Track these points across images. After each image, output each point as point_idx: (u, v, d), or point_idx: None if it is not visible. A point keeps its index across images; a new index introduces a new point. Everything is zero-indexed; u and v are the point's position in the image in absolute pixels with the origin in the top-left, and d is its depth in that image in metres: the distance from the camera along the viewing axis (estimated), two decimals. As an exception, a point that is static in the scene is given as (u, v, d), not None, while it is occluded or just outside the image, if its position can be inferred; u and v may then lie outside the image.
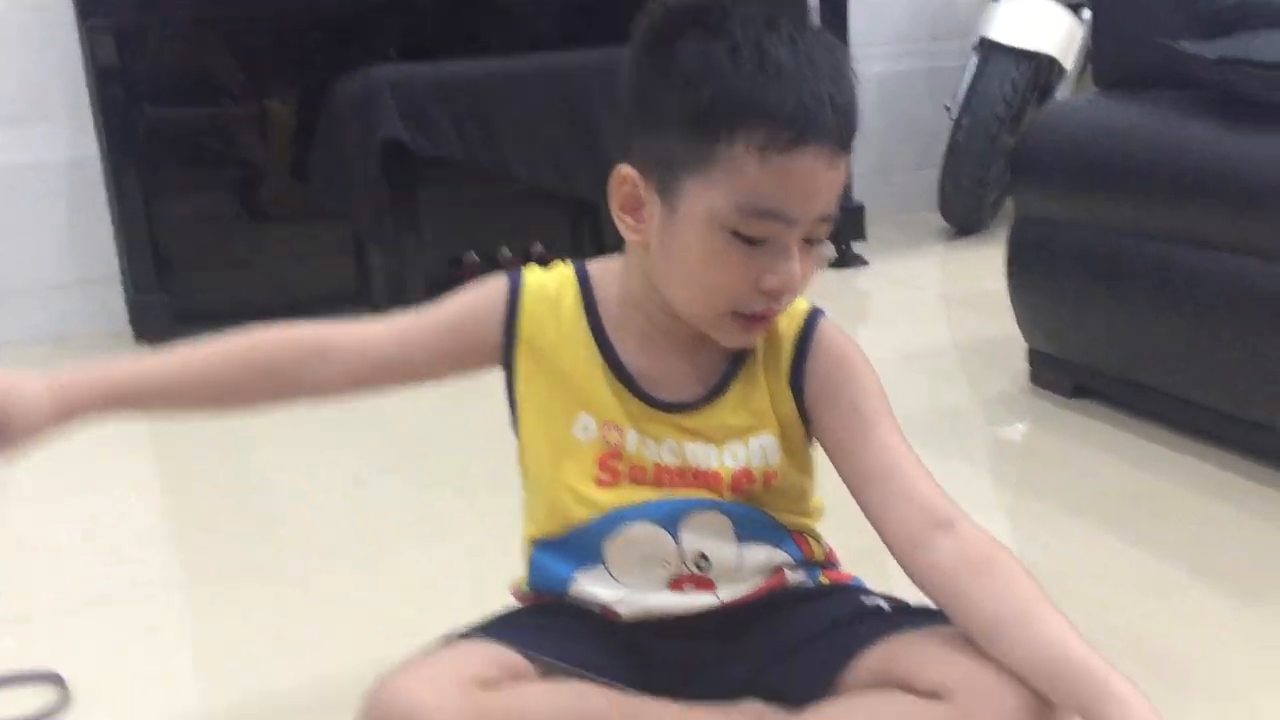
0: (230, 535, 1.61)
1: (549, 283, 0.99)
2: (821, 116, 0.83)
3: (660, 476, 0.95)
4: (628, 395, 0.95)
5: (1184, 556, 1.38)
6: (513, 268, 1.01)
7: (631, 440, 0.95)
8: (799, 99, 0.83)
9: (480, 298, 0.99)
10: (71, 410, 0.89)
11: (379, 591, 1.42)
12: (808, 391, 0.96)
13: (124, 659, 1.31)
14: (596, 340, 0.97)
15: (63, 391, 0.89)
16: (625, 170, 0.90)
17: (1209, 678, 1.13)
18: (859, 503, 0.95)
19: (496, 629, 0.97)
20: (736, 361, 0.96)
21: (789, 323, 0.97)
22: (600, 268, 1.00)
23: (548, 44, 2.74)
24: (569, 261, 1.01)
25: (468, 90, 2.44)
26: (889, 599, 0.98)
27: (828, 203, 0.87)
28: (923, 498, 0.91)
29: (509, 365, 0.98)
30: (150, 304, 2.46)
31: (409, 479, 1.75)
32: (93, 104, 2.58)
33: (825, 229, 0.89)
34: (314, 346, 0.97)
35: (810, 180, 0.85)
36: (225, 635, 1.35)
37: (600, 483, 0.95)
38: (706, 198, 0.86)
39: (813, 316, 0.98)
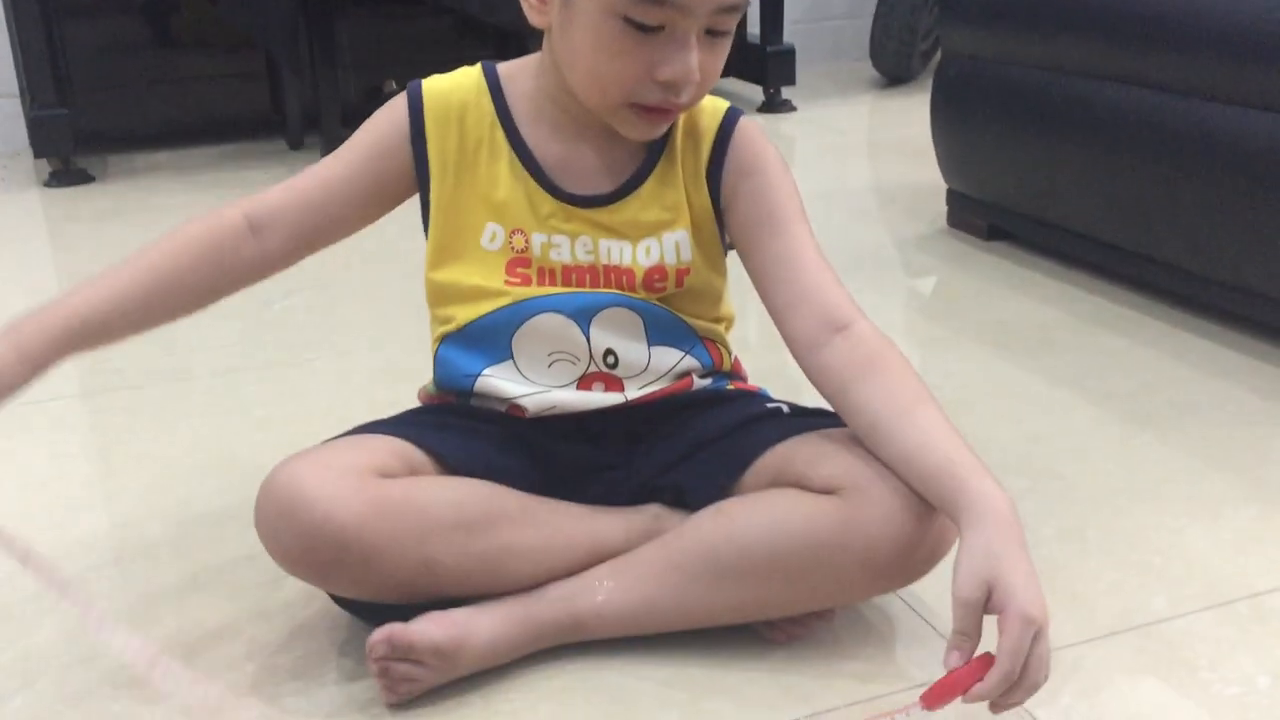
0: (133, 347, 1.57)
1: (452, 88, 0.96)
2: None
3: (569, 276, 0.94)
4: (540, 193, 0.94)
5: (1076, 382, 1.41)
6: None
7: (537, 244, 0.94)
8: None
9: (383, 120, 0.96)
10: (40, 364, 0.87)
11: (284, 401, 1.41)
12: (724, 185, 0.95)
13: (22, 464, 1.29)
14: (508, 138, 0.94)
15: (28, 347, 0.87)
16: None
17: (1091, 489, 1.16)
18: (763, 300, 0.95)
19: (397, 425, 0.96)
20: (654, 154, 0.95)
21: (710, 117, 0.96)
22: (511, 65, 0.98)
23: None
24: (477, 64, 0.98)
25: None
26: (791, 405, 0.99)
27: None
28: (824, 299, 0.92)
29: (421, 179, 0.95)
30: (50, 121, 2.36)
31: (317, 297, 1.72)
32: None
33: (729, 20, 0.86)
34: (244, 224, 0.94)
35: None
36: (129, 442, 1.33)
37: (510, 284, 0.94)
38: None
39: (732, 112, 0.97)
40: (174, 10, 2.78)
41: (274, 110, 2.79)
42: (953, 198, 1.96)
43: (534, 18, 0.90)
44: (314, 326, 1.64)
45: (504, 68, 0.97)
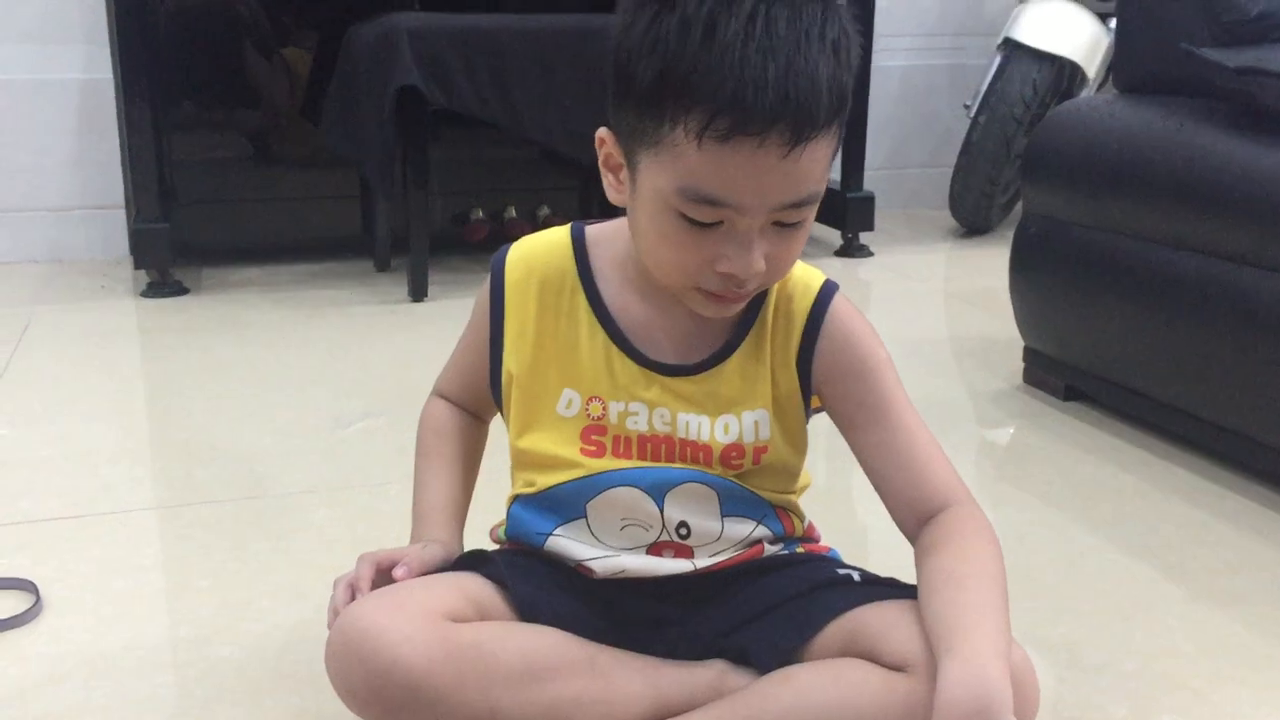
0: (208, 464, 1.62)
1: (535, 251, 0.98)
2: (764, 104, 0.76)
3: (644, 448, 0.94)
4: (621, 358, 0.94)
5: (1153, 555, 1.38)
6: (516, 229, 1.01)
7: (614, 412, 0.94)
8: (739, 84, 0.76)
9: (477, 304, 1.01)
10: (454, 549, 1.01)
11: (355, 527, 1.43)
12: (816, 371, 0.95)
13: (97, 573, 1.31)
14: (590, 302, 0.95)
15: (448, 543, 1.01)
16: (603, 132, 0.89)
17: (1167, 669, 1.13)
18: (871, 480, 0.95)
19: (470, 563, 0.97)
20: (744, 328, 0.94)
21: (802, 297, 0.95)
22: (602, 228, 0.99)
23: (572, 5, 2.73)
24: (568, 224, 1.00)
25: (488, 45, 2.42)
26: (861, 571, 0.98)
27: (787, 192, 0.81)
28: (931, 482, 0.93)
29: (495, 351, 0.98)
30: (152, 234, 2.45)
31: (393, 422, 1.75)
32: (110, 28, 2.57)
33: (799, 214, 0.84)
34: (469, 417, 1.08)
35: (755, 171, 0.79)
36: (196, 558, 1.35)
37: (585, 453, 0.95)
38: (655, 177, 0.83)
39: (825, 292, 0.95)
40: (275, 129, 2.90)
41: (364, 231, 2.87)
42: (1030, 355, 1.95)
43: (613, 195, 0.90)
44: (391, 450, 1.67)
45: (593, 230, 0.99)
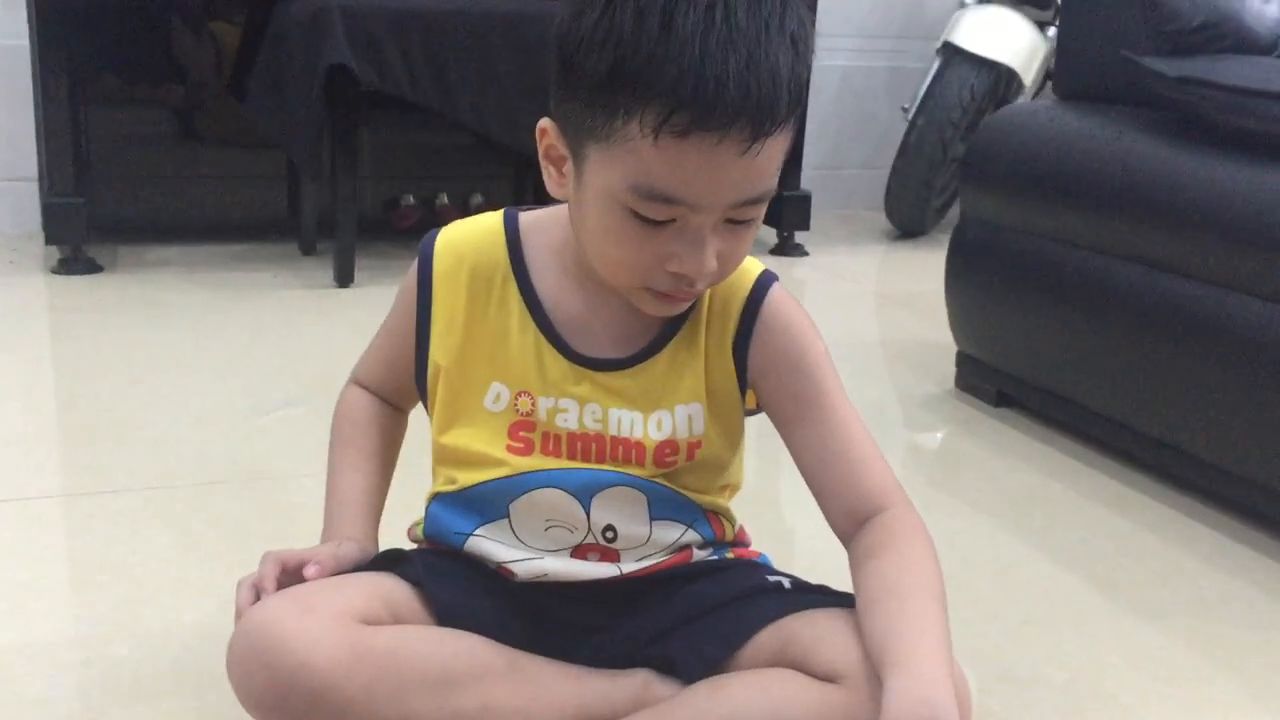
0: (115, 451, 1.55)
1: (465, 237, 0.94)
2: (725, 100, 0.73)
3: (574, 446, 0.90)
4: (551, 352, 0.90)
5: (1083, 565, 1.38)
6: (448, 216, 0.97)
7: (543, 408, 0.90)
8: (700, 78, 0.73)
9: (402, 290, 0.96)
10: (370, 548, 0.96)
11: (268, 521, 1.37)
12: (752, 363, 0.91)
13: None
14: (521, 292, 0.91)
15: (362, 541, 0.95)
16: (545, 123, 0.85)
17: (1092, 685, 1.12)
18: (805, 478, 0.92)
19: (386, 563, 0.93)
20: (678, 319, 0.91)
21: (738, 287, 0.91)
22: (535, 215, 0.95)
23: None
24: (501, 210, 0.96)
25: (423, 26, 2.36)
26: (791, 578, 0.95)
27: (744, 189, 0.78)
28: (868, 482, 0.90)
29: (421, 340, 0.93)
30: (65, 208, 2.36)
31: (313, 411, 1.69)
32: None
33: (752, 211, 0.81)
34: (392, 410, 1.04)
35: (713, 168, 0.76)
36: (97, 551, 1.29)
37: (511, 450, 0.91)
38: (605, 172, 0.79)
39: (762, 282, 0.92)
40: (200, 105, 2.81)
41: (290, 213, 2.79)
42: (963, 360, 1.95)
43: (553, 189, 0.86)
44: (310, 440, 1.61)
45: (527, 217, 0.95)
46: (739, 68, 0.74)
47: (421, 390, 0.95)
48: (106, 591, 1.20)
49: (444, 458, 0.95)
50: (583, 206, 0.83)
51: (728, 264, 0.84)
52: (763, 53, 0.74)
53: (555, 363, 0.91)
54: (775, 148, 0.78)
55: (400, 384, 1.00)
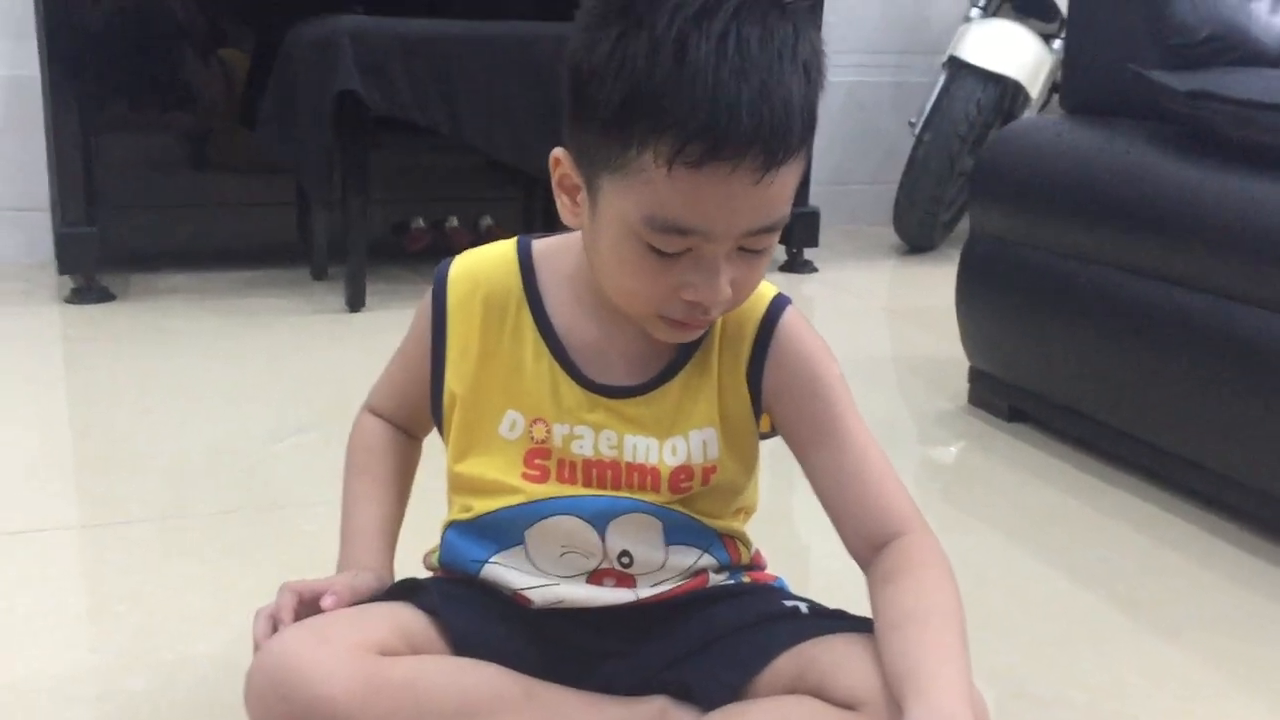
0: (129, 480, 1.55)
1: (478, 265, 0.94)
2: (739, 129, 0.73)
3: (590, 473, 0.90)
4: (566, 380, 0.90)
5: (1102, 584, 1.37)
6: (458, 239, 0.97)
7: (559, 435, 0.90)
8: (713, 108, 0.73)
9: (417, 318, 0.96)
10: (386, 578, 0.96)
11: (283, 549, 1.37)
12: (766, 387, 0.91)
13: (7, 595, 1.24)
14: (535, 320, 0.91)
15: (380, 572, 0.96)
16: (558, 153, 0.85)
17: (1115, 707, 1.11)
18: (821, 502, 0.92)
19: (403, 592, 0.93)
20: (691, 345, 0.91)
21: (751, 311, 0.91)
22: (548, 242, 0.95)
23: (519, 11, 2.68)
24: (514, 238, 0.96)
25: (432, 50, 2.37)
26: (809, 602, 0.95)
27: (757, 217, 0.78)
28: (885, 506, 0.89)
29: (436, 370, 0.93)
30: (77, 238, 2.37)
31: (327, 437, 1.69)
32: (38, 22, 2.48)
33: (767, 239, 0.81)
34: (406, 437, 1.04)
35: (727, 197, 0.76)
36: (114, 581, 1.29)
37: (527, 478, 0.91)
38: (619, 203, 0.79)
39: (776, 306, 0.92)
40: (211, 133, 2.82)
41: (300, 239, 2.80)
42: (975, 375, 1.94)
43: (567, 218, 0.86)
44: (325, 467, 1.60)
45: (540, 244, 0.95)
46: (752, 97, 0.74)
47: (437, 418, 0.96)
48: (123, 622, 1.20)
49: (459, 485, 0.95)
50: (597, 236, 0.83)
51: (742, 291, 0.84)
52: (775, 82, 0.75)
53: (570, 390, 0.91)
54: (789, 176, 0.78)
55: (415, 411, 1.00)
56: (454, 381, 0.93)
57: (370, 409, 1.04)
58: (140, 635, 1.17)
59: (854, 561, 0.91)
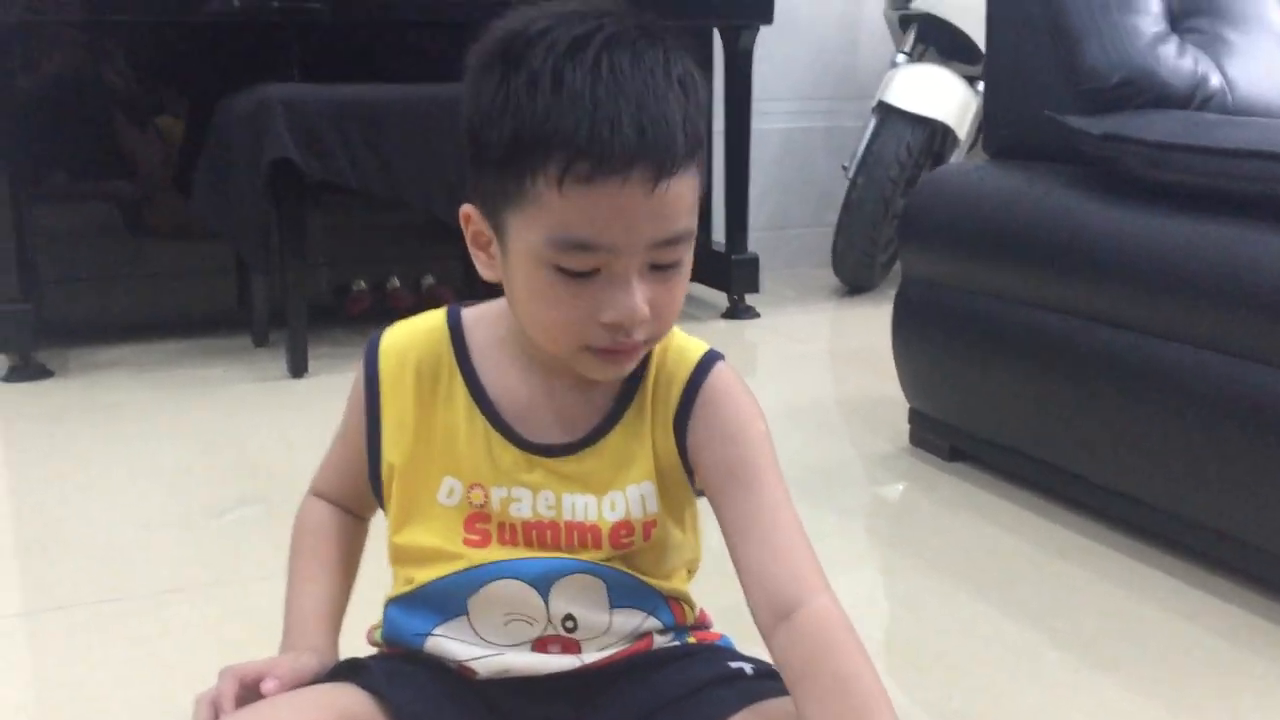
0: (64, 563, 1.53)
1: (409, 336, 0.95)
2: (623, 141, 0.76)
3: (530, 534, 0.91)
4: (501, 442, 0.91)
5: (1041, 621, 1.39)
6: (399, 300, 0.98)
7: (496, 499, 0.91)
8: (594, 125, 0.76)
9: (351, 397, 0.97)
10: (329, 659, 0.95)
11: (225, 628, 1.36)
12: (691, 440, 0.92)
13: (-58, 693, 1.22)
14: (467, 384, 0.92)
15: (323, 653, 0.95)
16: (467, 209, 0.87)
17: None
18: (731, 557, 0.92)
19: (346, 672, 0.92)
20: (624, 401, 0.92)
21: (681, 365, 0.92)
22: (479, 309, 0.96)
23: (447, 73, 2.70)
24: (444, 308, 0.97)
25: (364, 115, 2.38)
26: (755, 662, 0.95)
27: (658, 229, 0.80)
28: (790, 568, 0.88)
29: (372, 445, 0.94)
30: (12, 315, 2.34)
31: (270, 510, 1.68)
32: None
33: (673, 252, 0.83)
34: (349, 516, 1.04)
35: (622, 210, 0.78)
36: (51, 669, 1.27)
37: (468, 543, 0.91)
38: (525, 234, 0.81)
39: (706, 361, 0.93)
40: (147, 200, 2.80)
41: (240, 306, 2.79)
42: (915, 416, 1.97)
43: (486, 273, 0.88)
44: (267, 541, 1.60)
45: (470, 311, 0.96)
46: (631, 112, 0.77)
47: (376, 490, 0.96)
48: (62, 713, 1.18)
49: (401, 557, 0.95)
50: (512, 277, 0.85)
51: (662, 313, 0.84)
52: (651, 97, 0.78)
53: (505, 452, 0.91)
54: (682, 187, 0.80)
55: (358, 491, 1.00)
56: (391, 453, 0.93)
57: (315, 492, 1.04)
58: (81, 725, 1.16)
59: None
